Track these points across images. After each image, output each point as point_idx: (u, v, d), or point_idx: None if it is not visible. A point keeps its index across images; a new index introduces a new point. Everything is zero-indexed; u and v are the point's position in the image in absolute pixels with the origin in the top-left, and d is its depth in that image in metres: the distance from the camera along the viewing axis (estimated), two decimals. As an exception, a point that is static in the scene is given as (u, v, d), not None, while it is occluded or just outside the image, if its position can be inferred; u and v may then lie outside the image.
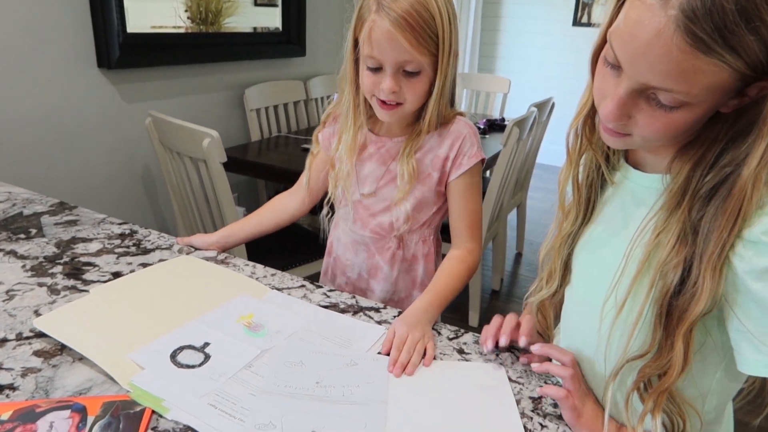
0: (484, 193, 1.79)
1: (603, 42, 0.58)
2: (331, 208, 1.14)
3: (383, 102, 0.95)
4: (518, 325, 0.82)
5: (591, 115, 0.68)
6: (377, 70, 0.92)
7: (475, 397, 0.74)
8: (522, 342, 0.78)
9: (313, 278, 1.12)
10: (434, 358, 0.81)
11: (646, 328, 0.61)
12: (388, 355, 0.81)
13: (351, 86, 1.00)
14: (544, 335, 0.84)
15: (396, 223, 1.06)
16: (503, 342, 0.79)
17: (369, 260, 1.12)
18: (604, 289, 0.66)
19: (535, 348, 0.74)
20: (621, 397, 0.65)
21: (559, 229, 0.75)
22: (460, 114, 1.04)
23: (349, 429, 0.66)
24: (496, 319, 0.84)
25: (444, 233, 1.13)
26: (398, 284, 1.12)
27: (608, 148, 0.69)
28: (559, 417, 0.70)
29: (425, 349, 0.82)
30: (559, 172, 0.75)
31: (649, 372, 0.61)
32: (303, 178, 1.19)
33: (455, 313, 2.41)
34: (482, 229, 1.09)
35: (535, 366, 0.73)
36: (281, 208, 1.21)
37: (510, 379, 0.78)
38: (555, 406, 0.72)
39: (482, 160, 1.04)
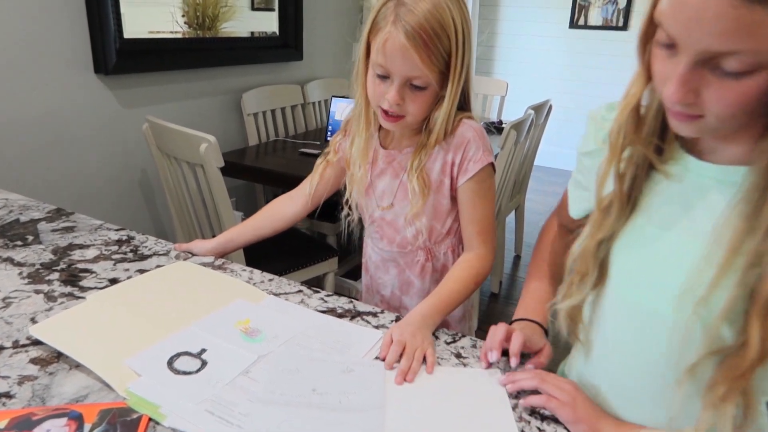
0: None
1: (649, 27, 0.56)
2: (351, 208, 1.13)
3: (386, 113, 0.95)
4: (508, 337, 0.79)
5: (636, 108, 0.63)
6: (385, 78, 0.92)
7: (471, 403, 0.74)
8: (513, 363, 0.77)
9: (311, 283, 1.12)
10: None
11: (735, 320, 0.57)
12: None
13: (362, 90, 0.99)
14: (575, 338, 0.78)
15: (420, 236, 1.05)
16: (492, 358, 0.78)
17: (400, 276, 1.11)
18: (659, 289, 0.63)
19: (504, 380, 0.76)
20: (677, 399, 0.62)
21: (598, 228, 0.69)
22: (468, 117, 1.01)
23: None
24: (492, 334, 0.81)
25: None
26: None
27: (660, 139, 0.65)
28: (557, 420, 0.70)
29: (425, 356, 0.81)
30: (597, 169, 0.69)
31: (734, 363, 0.56)
32: (306, 184, 1.18)
33: (454, 316, 2.41)
34: (494, 233, 1.06)
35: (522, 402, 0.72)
36: (280, 213, 1.21)
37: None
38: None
39: (491, 165, 1.00)
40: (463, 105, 1.01)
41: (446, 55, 0.90)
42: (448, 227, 1.06)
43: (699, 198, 0.62)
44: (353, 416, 0.69)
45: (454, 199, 1.04)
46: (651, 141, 0.64)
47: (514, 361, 0.76)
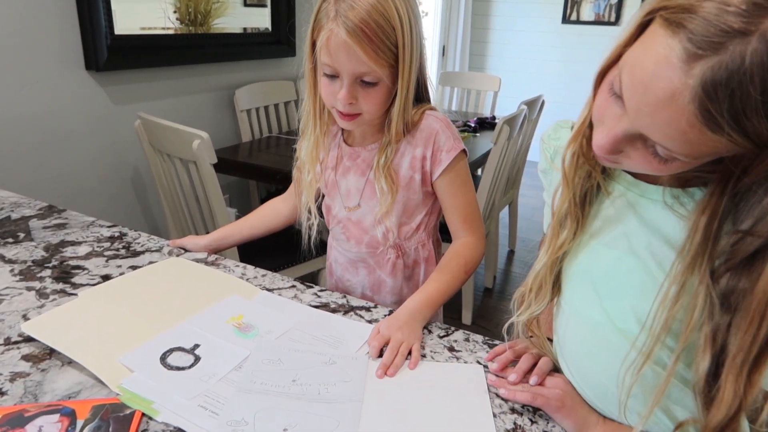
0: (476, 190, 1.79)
1: (614, 60, 0.54)
2: (319, 210, 1.11)
3: (341, 113, 0.92)
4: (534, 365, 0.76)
5: (588, 133, 0.63)
6: (334, 77, 0.88)
7: (450, 398, 0.73)
8: (532, 380, 0.73)
9: (305, 279, 1.12)
10: (423, 357, 0.81)
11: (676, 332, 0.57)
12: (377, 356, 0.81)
13: (310, 91, 0.96)
14: (543, 350, 0.78)
15: (389, 234, 1.03)
16: (513, 379, 0.74)
17: (370, 276, 1.09)
18: (611, 308, 0.65)
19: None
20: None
21: (554, 247, 0.70)
22: (429, 108, 0.98)
23: (321, 427, 0.66)
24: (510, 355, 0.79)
25: (443, 232, 1.09)
26: (403, 293, 1.08)
27: None
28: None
29: (411, 351, 0.81)
30: (552, 193, 0.71)
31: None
32: (293, 186, 1.17)
33: (448, 311, 2.42)
34: (480, 219, 1.04)
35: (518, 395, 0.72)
36: (274, 214, 1.20)
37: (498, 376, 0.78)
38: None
39: (463, 151, 0.98)
40: (422, 96, 0.99)
41: (394, 48, 0.86)
42: (418, 222, 1.04)
43: (634, 216, 0.64)
44: (330, 407, 0.69)
45: (426, 194, 1.02)
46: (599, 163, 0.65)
47: (534, 379, 0.73)
